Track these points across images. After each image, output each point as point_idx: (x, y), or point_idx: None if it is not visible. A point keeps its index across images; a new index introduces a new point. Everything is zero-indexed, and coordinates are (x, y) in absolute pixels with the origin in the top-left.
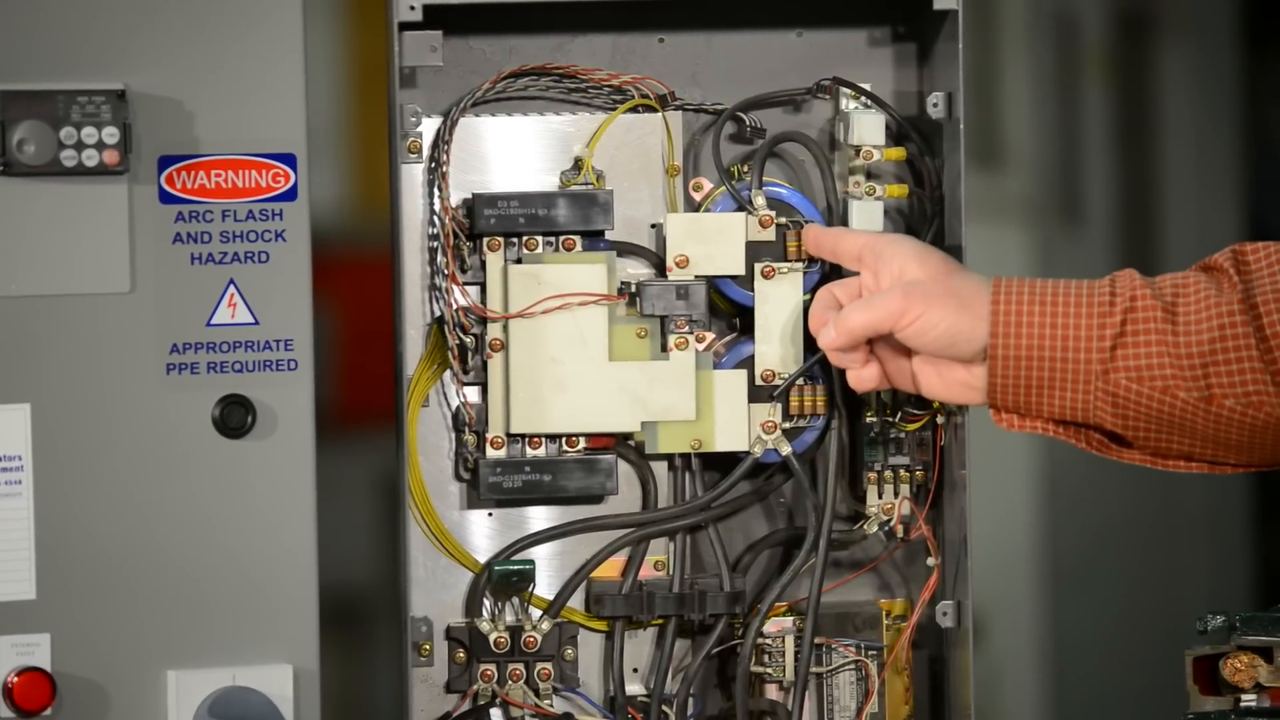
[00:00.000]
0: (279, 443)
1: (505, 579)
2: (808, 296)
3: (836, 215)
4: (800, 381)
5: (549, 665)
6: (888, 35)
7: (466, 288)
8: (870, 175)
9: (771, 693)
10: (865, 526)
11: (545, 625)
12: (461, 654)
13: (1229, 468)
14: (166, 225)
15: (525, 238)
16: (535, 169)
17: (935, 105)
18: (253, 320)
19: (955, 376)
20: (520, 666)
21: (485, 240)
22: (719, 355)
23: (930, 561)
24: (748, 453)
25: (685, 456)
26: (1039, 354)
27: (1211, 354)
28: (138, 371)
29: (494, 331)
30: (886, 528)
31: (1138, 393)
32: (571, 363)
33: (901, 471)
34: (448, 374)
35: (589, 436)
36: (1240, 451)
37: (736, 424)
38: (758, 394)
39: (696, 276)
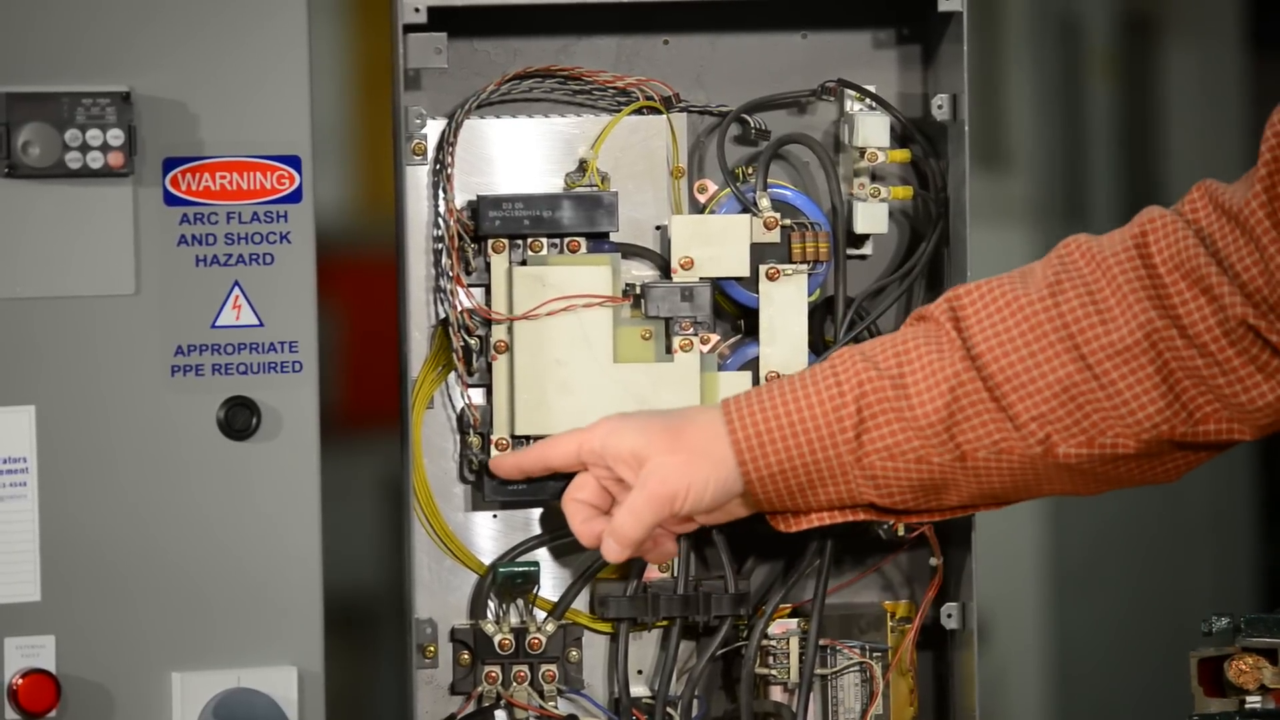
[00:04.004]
0: (284, 445)
1: (510, 581)
2: (813, 298)
3: (841, 216)
4: None
5: (554, 667)
6: (892, 37)
7: (471, 290)
8: (875, 177)
9: (776, 694)
10: (870, 527)
11: (550, 627)
12: (466, 656)
13: (1011, 502)
14: (171, 227)
15: (530, 240)
16: (540, 171)
17: (940, 107)
18: (257, 322)
19: (738, 502)
20: (525, 668)
21: (490, 242)
22: (724, 357)
23: (934, 563)
24: None
25: None
26: (790, 464)
27: (950, 416)
28: (142, 373)
29: (499, 333)
30: (891, 529)
31: (894, 469)
32: (576, 365)
33: None
34: (452, 376)
35: None
36: (1011, 493)
37: None
38: None
39: (701, 278)
